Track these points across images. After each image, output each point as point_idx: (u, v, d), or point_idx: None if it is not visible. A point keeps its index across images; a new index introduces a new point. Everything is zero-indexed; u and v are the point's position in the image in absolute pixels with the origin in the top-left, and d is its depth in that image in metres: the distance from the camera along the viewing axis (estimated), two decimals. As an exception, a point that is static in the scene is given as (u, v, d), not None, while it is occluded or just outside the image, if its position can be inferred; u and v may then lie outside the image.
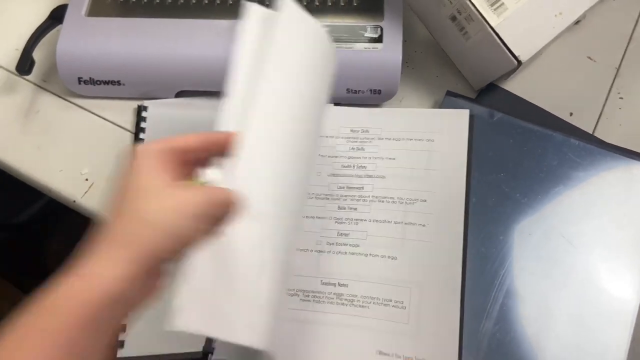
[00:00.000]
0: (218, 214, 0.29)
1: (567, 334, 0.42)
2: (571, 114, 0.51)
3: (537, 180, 0.46)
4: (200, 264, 0.30)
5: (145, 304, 0.29)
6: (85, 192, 0.49)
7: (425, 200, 0.45)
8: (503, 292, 0.43)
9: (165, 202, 0.28)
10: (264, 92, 0.35)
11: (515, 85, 0.52)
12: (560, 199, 0.46)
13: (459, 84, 0.53)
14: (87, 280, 0.25)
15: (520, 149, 0.48)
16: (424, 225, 0.44)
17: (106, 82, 0.52)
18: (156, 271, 0.28)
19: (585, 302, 0.42)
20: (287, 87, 0.37)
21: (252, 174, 0.33)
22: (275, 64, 0.36)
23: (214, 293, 0.31)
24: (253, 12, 0.38)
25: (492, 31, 0.45)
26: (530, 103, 0.52)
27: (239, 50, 0.37)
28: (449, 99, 0.51)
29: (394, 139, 0.49)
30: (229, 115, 0.34)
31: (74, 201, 0.49)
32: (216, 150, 0.32)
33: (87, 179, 0.50)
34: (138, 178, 0.28)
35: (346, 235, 0.45)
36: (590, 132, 0.51)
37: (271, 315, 0.32)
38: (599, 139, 0.50)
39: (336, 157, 0.49)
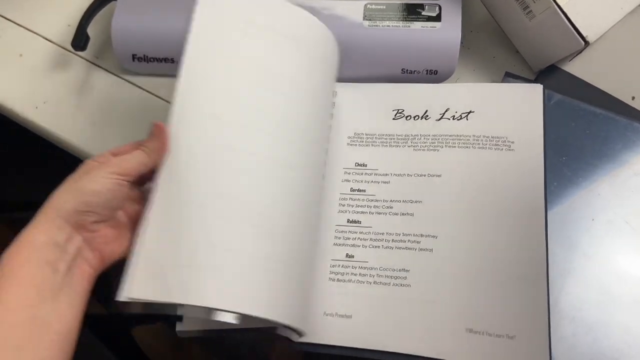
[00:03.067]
0: (127, 170, 0.36)
1: (630, 320, 0.41)
2: (633, 98, 0.50)
3: (600, 164, 0.45)
4: (148, 232, 0.35)
5: (94, 256, 0.36)
6: (141, 169, 0.49)
7: (503, 179, 0.44)
8: (565, 276, 0.42)
9: (81, 174, 0.35)
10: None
11: (574, 67, 0.51)
12: (625, 184, 0.45)
13: (516, 65, 0.52)
14: (26, 237, 0.33)
15: (583, 132, 0.47)
16: (504, 207, 0.44)
17: (160, 60, 0.52)
18: (85, 224, 0.35)
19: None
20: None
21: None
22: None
23: (163, 257, 0.35)
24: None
25: (559, 10, 0.44)
26: (591, 85, 0.50)
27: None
28: (508, 80, 0.50)
29: (463, 117, 0.48)
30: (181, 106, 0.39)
31: (130, 178, 0.49)
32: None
33: (141, 156, 0.50)
34: (73, 174, 0.36)
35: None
36: (653, 117, 0.49)
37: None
38: (663, 123, 0.48)
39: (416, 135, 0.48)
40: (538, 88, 0.47)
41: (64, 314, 0.33)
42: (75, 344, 0.33)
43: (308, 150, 0.42)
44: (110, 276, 0.37)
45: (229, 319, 0.36)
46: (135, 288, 0.35)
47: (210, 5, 0.42)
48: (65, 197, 0.34)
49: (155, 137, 0.37)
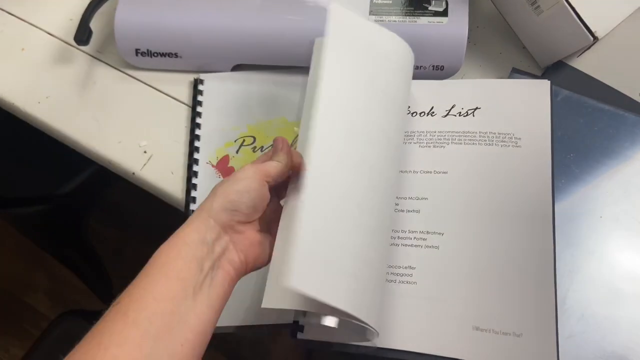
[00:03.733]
0: (267, 174, 0.37)
1: (638, 317, 0.41)
2: (641, 94, 0.50)
3: (608, 161, 0.45)
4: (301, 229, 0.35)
5: (238, 258, 0.37)
6: (144, 165, 0.49)
7: (509, 176, 0.44)
8: (573, 274, 0.42)
9: (230, 177, 0.37)
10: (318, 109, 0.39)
11: (582, 63, 0.51)
12: (632, 181, 0.44)
13: (523, 60, 0.52)
14: (179, 234, 0.35)
15: (591, 129, 0.46)
16: (511, 204, 0.43)
17: (163, 54, 0.51)
18: (231, 225, 0.36)
19: (659, 287, 0.41)
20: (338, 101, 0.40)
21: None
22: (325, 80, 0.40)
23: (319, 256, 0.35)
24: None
25: (568, 5, 0.44)
26: (599, 81, 0.50)
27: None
28: (515, 77, 0.49)
29: (469, 113, 0.47)
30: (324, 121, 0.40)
31: (134, 173, 0.49)
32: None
33: (145, 152, 0.50)
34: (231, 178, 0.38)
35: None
36: (661, 113, 0.49)
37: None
38: (671, 120, 0.48)
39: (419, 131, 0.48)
40: (545, 84, 0.46)
41: (203, 312, 0.33)
42: (206, 346, 0.34)
43: (396, 157, 0.44)
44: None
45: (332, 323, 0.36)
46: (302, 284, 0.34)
47: (340, 33, 0.42)
48: (214, 198, 0.36)
49: (283, 151, 0.39)
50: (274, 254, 0.38)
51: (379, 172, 0.41)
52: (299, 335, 0.41)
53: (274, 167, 0.38)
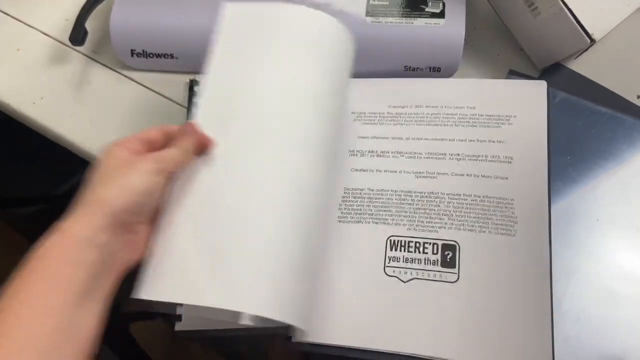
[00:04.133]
0: (169, 168, 0.35)
1: (635, 320, 0.41)
2: (638, 97, 0.49)
3: (605, 164, 0.45)
4: (173, 231, 0.35)
5: (129, 258, 0.34)
6: (140, 166, 0.49)
7: (506, 178, 0.43)
8: (569, 276, 0.42)
9: (123, 167, 0.33)
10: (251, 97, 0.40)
11: (580, 65, 0.50)
12: (629, 184, 0.44)
13: (520, 63, 0.52)
14: (63, 232, 0.30)
15: (588, 132, 0.46)
16: (507, 202, 0.43)
17: (159, 55, 0.51)
18: (128, 225, 0.33)
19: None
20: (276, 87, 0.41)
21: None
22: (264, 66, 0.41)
23: (187, 257, 0.35)
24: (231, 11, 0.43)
25: (565, 7, 0.43)
26: (596, 84, 0.50)
27: (217, 47, 0.43)
28: (512, 78, 0.49)
29: (466, 112, 0.47)
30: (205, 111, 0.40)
31: (129, 175, 0.49)
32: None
33: (140, 153, 0.49)
34: (107, 161, 0.34)
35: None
36: (659, 116, 0.49)
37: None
38: (668, 122, 0.48)
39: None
40: (542, 84, 0.46)
41: (93, 320, 0.30)
42: (94, 353, 0.31)
43: (325, 153, 0.42)
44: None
45: (247, 320, 0.36)
46: (156, 289, 0.34)
47: (235, 17, 0.43)
48: (115, 193, 0.32)
49: (189, 136, 0.36)
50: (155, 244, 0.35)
51: (298, 161, 0.40)
52: (177, 326, 0.42)
53: (173, 159, 0.35)
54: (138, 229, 0.34)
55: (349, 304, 0.41)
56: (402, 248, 0.42)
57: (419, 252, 0.42)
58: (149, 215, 0.35)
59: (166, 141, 0.37)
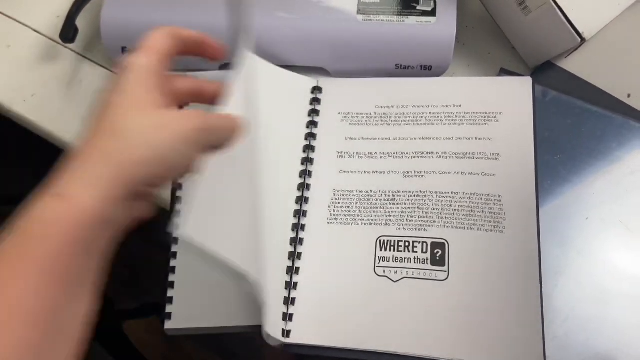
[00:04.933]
0: (215, 142, 0.28)
1: (624, 318, 0.41)
2: (629, 96, 0.50)
3: (595, 162, 0.45)
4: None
5: (129, 226, 0.28)
6: (130, 164, 0.49)
7: (494, 175, 0.43)
8: (558, 275, 0.42)
9: (155, 120, 0.25)
10: None
11: (570, 64, 0.51)
12: (619, 183, 0.44)
13: (512, 61, 0.52)
14: (69, 202, 0.23)
15: (578, 130, 0.46)
16: (496, 198, 0.43)
17: (150, 52, 0.51)
18: (140, 193, 0.26)
19: (644, 289, 0.42)
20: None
21: None
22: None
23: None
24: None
25: (555, 6, 0.44)
26: (587, 82, 0.50)
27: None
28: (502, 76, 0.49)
29: (453, 110, 0.47)
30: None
31: (119, 173, 0.49)
32: (205, 97, 0.32)
33: (131, 151, 0.49)
34: (124, 92, 0.26)
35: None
36: (649, 115, 0.49)
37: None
38: (659, 121, 0.48)
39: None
40: (527, 81, 0.46)
41: (86, 307, 0.25)
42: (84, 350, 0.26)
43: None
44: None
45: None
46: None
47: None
48: (139, 157, 0.24)
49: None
50: None
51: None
52: (167, 325, 0.42)
53: (228, 135, 0.28)
54: (150, 197, 0.28)
55: (340, 305, 0.41)
56: (392, 248, 0.42)
57: (409, 251, 0.42)
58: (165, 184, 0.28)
59: (197, 89, 0.31)
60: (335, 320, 0.41)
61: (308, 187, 0.46)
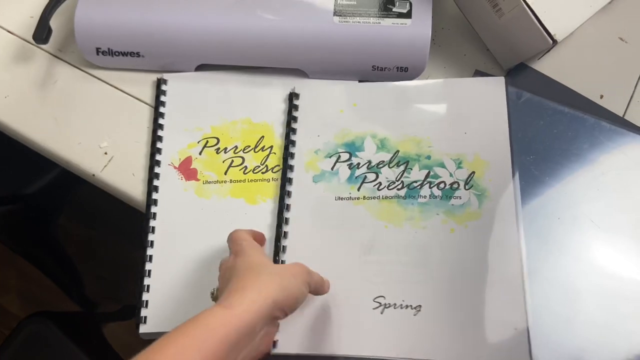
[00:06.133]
0: (313, 283, 0.39)
1: (595, 315, 0.41)
2: (601, 97, 0.50)
3: (567, 163, 0.46)
4: None
5: (260, 350, 0.38)
6: (105, 166, 0.48)
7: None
8: (530, 275, 0.42)
9: (282, 269, 0.39)
10: None
11: (544, 66, 0.51)
12: (591, 183, 0.45)
13: (487, 63, 0.52)
14: (232, 310, 0.34)
15: (551, 131, 0.47)
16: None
17: (125, 54, 0.51)
18: (273, 320, 0.37)
19: (615, 287, 0.42)
20: None
21: None
22: None
23: None
24: None
25: (527, 8, 0.44)
26: (560, 84, 0.50)
27: None
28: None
29: (429, 110, 0.48)
30: None
31: (93, 175, 0.48)
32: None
33: (106, 153, 0.49)
34: (252, 255, 0.39)
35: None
36: (621, 115, 0.50)
37: None
38: (630, 122, 0.49)
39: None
40: (500, 81, 0.47)
41: None
42: None
43: None
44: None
45: None
46: None
47: None
48: (276, 290, 0.36)
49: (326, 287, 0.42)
50: None
51: None
52: (141, 329, 0.43)
53: (319, 286, 0.41)
54: (274, 325, 0.39)
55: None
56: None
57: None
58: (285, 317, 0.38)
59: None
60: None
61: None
